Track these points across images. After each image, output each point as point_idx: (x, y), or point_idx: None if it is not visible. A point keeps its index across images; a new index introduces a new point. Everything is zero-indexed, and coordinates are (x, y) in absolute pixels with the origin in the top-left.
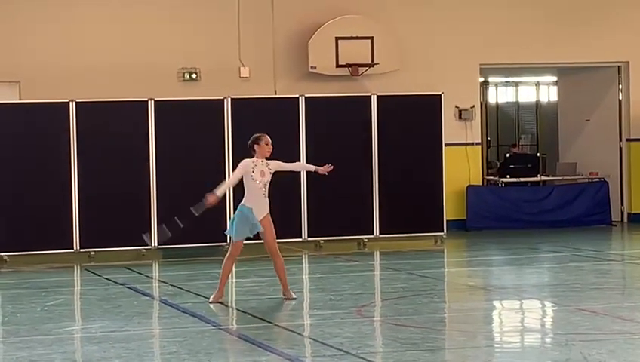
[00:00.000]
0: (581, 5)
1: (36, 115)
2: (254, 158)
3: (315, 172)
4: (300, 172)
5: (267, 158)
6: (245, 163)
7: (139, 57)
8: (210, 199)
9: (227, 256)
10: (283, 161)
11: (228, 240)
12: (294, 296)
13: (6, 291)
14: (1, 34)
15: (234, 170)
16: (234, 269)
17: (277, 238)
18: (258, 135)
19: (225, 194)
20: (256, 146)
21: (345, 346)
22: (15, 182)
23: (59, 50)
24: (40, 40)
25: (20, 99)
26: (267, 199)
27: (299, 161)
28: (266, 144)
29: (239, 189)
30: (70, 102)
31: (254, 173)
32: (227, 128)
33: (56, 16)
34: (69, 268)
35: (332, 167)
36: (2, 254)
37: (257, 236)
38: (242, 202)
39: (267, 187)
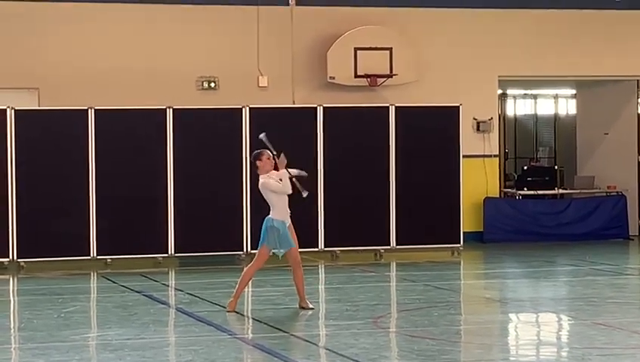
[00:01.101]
0: (600, 19)
1: (55, 122)
2: (267, 174)
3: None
4: (317, 183)
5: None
6: (269, 178)
7: (158, 65)
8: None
9: (252, 265)
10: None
11: (244, 250)
12: (311, 306)
13: (23, 297)
14: (20, 41)
15: (252, 178)
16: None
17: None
18: (258, 151)
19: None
20: (259, 163)
21: (360, 357)
22: (32, 189)
23: (78, 58)
24: (59, 47)
25: (38, 106)
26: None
27: (316, 170)
28: (268, 158)
29: (265, 205)
30: (89, 110)
31: (272, 180)
32: (245, 137)
33: (76, 23)
34: (85, 275)
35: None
36: (19, 260)
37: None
38: (273, 217)
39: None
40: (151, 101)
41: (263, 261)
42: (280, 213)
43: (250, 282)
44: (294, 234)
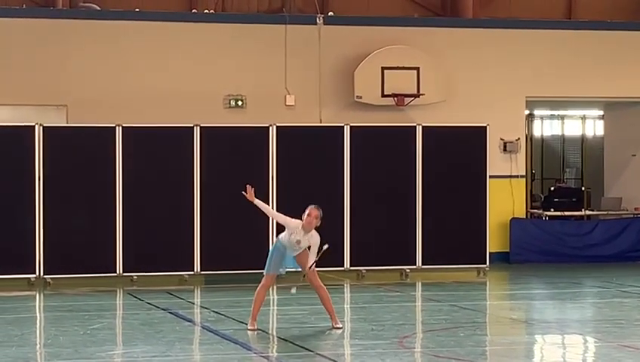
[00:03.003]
0: (628, 41)
1: (82, 139)
2: (301, 226)
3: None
4: (343, 202)
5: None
6: (296, 223)
7: (186, 83)
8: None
9: (260, 286)
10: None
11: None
12: (340, 325)
13: (49, 313)
14: (49, 58)
15: (277, 195)
16: (275, 296)
17: (320, 267)
18: (311, 207)
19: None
20: (303, 216)
21: None
22: (59, 205)
23: (106, 75)
24: (88, 65)
25: (66, 123)
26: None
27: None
28: (309, 215)
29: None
30: (117, 127)
31: (293, 235)
32: (272, 155)
33: (105, 41)
34: (111, 291)
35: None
36: (46, 276)
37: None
38: (280, 236)
39: (300, 250)
40: (179, 119)
41: (270, 280)
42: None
43: (274, 300)
44: (305, 258)
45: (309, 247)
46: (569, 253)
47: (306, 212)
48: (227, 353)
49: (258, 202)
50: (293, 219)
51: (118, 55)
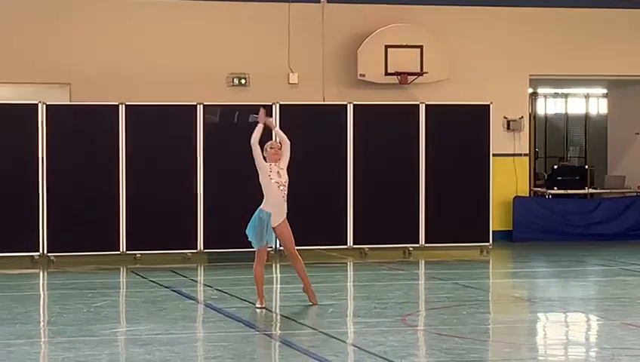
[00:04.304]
0: (632, 18)
1: (86, 117)
2: (269, 163)
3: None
4: (347, 179)
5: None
6: (264, 164)
7: (188, 62)
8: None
9: (255, 263)
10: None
11: (274, 246)
12: (316, 302)
13: (53, 291)
14: (52, 36)
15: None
16: (278, 275)
17: (323, 245)
18: (268, 144)
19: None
20: (265, 153)
21: (389, 355)
22: (63, 184)
23: (109, 53)
24: (91, 43)
25: (70, 101)
26: (286, 203)
27: (345, 167)
28: (271, 148)
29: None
30: (120, 105)
31: (272, 173)
32: (275, 133)
33: (108, 19)
34: (115, 269)
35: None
36: (49, 254)
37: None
38: (261, 206)
39: (286, 189)
40: (181, 97)
41: (263, 255)
42: (268, 203)
43: (277, 278)
44: (289, 230)
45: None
46: (572, 232)
47: (268, 146)
48: (230, 331)
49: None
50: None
51: (122, 33)
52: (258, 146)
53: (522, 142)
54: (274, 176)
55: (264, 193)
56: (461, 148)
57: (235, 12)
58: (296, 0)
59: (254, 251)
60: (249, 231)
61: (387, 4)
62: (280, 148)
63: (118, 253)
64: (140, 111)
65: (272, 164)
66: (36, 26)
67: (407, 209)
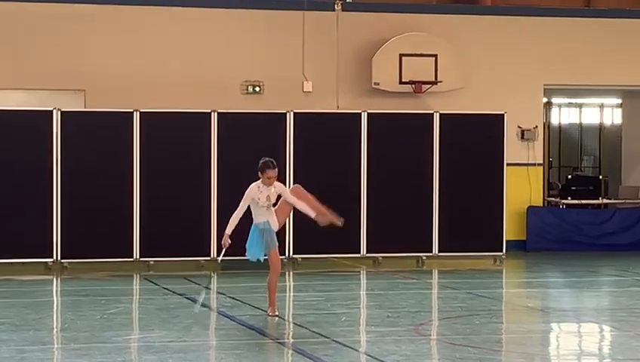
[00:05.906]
0: None
1: (100, 124)
2: (260, 183)
3: (315, 219)
4: (360, 188)
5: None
6: (252, 189)
7: (203, 69)
8: (224, 242)
9: (270, 274)
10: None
11: (287, 254)
12: (276, 314)
13: (66, 298)
14: (67, 43)
15: (294, 182)
16: (291, 283)
17: (336, 253)
18: (264, 162)
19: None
20: (260, 174)
21: None
22: (77, 190)
23: (124, 60)
24: (106, 49)
25: (84, 108)
26: (271, 207)
27: (359, 176)
28: (268, 178)
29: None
30: (134, 112)
31: (260, 199)
32: (289, 142)
33: (123, 26)
34: (128, 277)
35: (342, 221)
36: (63, 261)
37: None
38: (254, 223)
39: (270, 204)
40: (196, 104)
41: (276, 263)
42: (257, 218)
43: (290, 286)
44: (281, 214)
45: (275, 204)
46: (586, 242)
47: (265, 173)
48: (243, 339)
49: (229, 228)
50: (246, 196)
51: (136, 40)
52: (244, 209)
53: (536, 152)
54: (262, 201)
55: (252, 212)
56: (475, 158)
57: (250, 20)
58: (311, 8)
59: (267, 259)
60: (251, 248)
61: (402, 12)
62: (276, 178)
63: (132, 259)
64: (154, 118)
65: (264, 187)
66: (51, 32)
67: (420, 218)
